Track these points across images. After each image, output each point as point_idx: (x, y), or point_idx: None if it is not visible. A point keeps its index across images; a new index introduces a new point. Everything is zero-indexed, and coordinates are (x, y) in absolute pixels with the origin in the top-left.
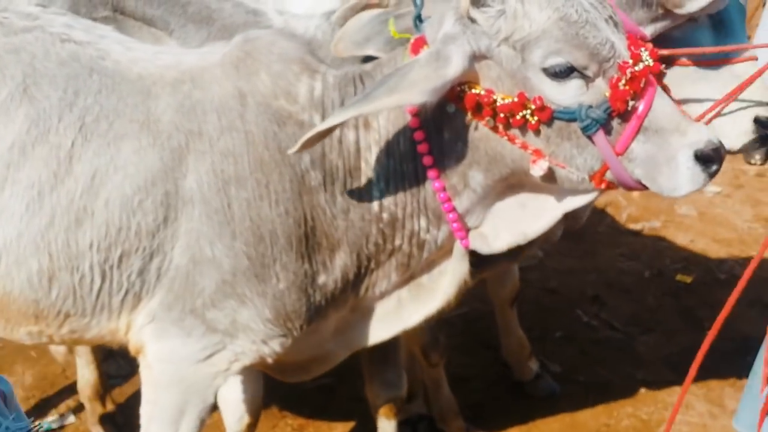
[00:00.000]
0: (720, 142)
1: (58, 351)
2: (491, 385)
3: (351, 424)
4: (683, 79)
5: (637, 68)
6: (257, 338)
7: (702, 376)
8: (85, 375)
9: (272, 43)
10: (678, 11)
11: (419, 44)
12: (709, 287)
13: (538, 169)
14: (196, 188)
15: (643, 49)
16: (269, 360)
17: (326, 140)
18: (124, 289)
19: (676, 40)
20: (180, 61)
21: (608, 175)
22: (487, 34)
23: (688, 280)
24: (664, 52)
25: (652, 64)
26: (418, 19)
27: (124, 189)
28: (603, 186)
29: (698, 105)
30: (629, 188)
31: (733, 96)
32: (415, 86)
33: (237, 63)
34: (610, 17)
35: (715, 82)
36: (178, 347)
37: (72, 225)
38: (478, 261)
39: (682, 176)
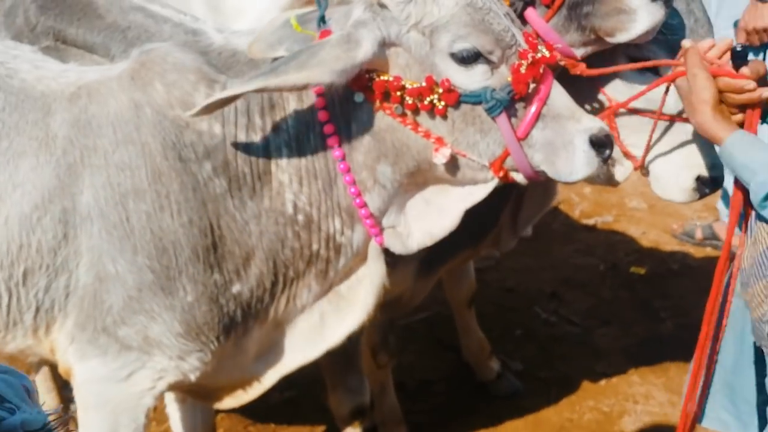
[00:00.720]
0: (608, 130)
1: None
2: (455, 387)
3: None
4: (634, 126)
5: (536, 55)
6: (173, 354)
7: (661, 365)
8: (47, 402)
9: (167, 54)
10: (608, 39)
11: (325, 35)
12: (662, 278)
13: (440, 157)
14: (94, 204)
15: (538, 43)
16: (192, 378)
17: (228, 147)
18: (33, 307)
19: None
20: (80, 78)
21: (507, 162)
22: (397, 20)
23: (642, 271)
24: (597, 71)
25: (549, 55)
26: (322, 20)
27: (23, 206)
28: (501, 174)
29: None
30: (527, 176)
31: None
32: (324, 65)
33: (132, 75)
34: (507, 13)
35: (667, 135)
36: (98, 367)
37: None
38: (433, 259)
39: (578, 160)
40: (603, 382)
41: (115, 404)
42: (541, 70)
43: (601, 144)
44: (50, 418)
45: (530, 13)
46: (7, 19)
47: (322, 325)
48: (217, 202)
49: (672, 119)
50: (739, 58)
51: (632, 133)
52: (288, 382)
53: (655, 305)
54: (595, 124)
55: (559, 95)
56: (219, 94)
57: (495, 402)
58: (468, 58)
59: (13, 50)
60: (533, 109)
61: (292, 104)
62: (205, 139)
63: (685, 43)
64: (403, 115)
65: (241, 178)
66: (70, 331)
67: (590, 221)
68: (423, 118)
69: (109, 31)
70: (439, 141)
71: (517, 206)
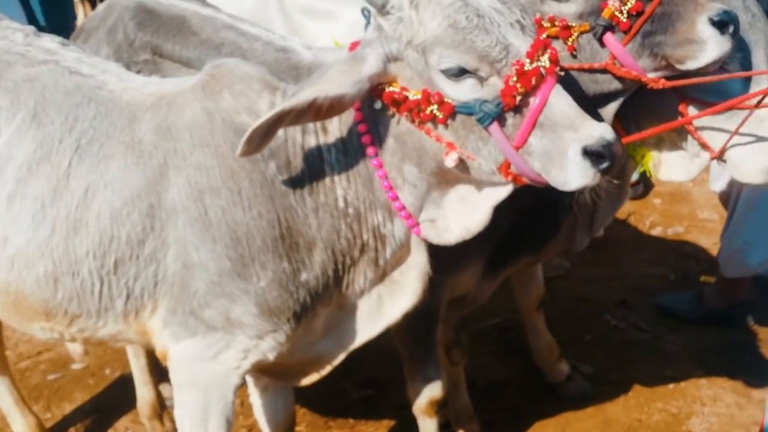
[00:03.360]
0: (613, 140)
1: (75, 351)
2: (526, 389)
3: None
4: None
5: (528, 67)
6: (252, 333)
7: (728, 370)
8: (144, 395)
9: (235, 67)
10: (678, 67)
11: (355, 46)
12: None
13: (450, 161)
14: (178, 199)
15: (543, 50)
16: (271, 357)
17: (290, 147)
18: (124, 294)
19: (708, 87)
20: (161, 89)
21: (513, 168)
22: (395, 39)
23: (712, 280)
24: (681, 82)
25: (548, 65)
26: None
27: (113, 202)
28: (510, 178)
29: (720, 138)
30: (533, 181)
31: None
32: (333, 80)
33: (204, 86)
34: (517, 21)
35: (737, 123)
36: (189, 347)
37: (70, 234)
38: (498, 261)
39: (570, 170)
40: (671, 386)
41: (206, 382)
42: (533, 81)
43: (598, 155)
44: None
45: (609, 37)
46: (109, 35)
47: (380, 306)
48: (281, 197)
49: (749, 108)
50: None
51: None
52: (367, 380)
53: (725, 313)
54: (592, 133)
55: (559, 103)
56: (252, 126)
57: (564, 403)
58: (455, 74)
59: (101, 65)
60: (527, 119)
61: None
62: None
63: None
64: (413, 122)
65: (301, 175)
66: (163, 316)
67: (661, 232)
68: (431, 125)
69: (203, 47)
70: (450, 146)
71: (592, 207)
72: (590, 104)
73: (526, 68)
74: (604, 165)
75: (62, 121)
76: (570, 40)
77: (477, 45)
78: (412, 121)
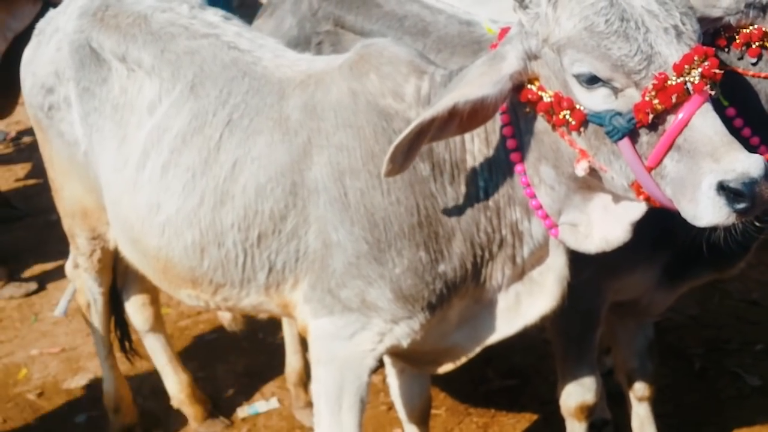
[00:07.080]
0: (760, 178)
1: (225, 317)
2: (683, 394)
3: (535, 426)
4: None
5: (670, 82)
6: (387, 318)
7: None
8: (292, 363)
9: (384, 48)
10: None
11: (504, 33)
12: None
13: (579, 169)
14: (319, 179)
15: (700, 61)
16: (404, 343)
17: None
18: (266, 267)
19: None
20: (311, 66)
21: (645, 188)
22: (533, 35)
23: None
24: None
25: (697, 80)
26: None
27: (259, 177)
28: (642, 198)
29: None
30: (663, 205)
31: None
32: (472, 82)
33: (352, 65)
34: (674, 26)
35: None
36: (327, 325)
37: (217, 205)
38: (676, 272)
39: (701, 205)
40: None
41: (342, 361)
42: (674, 99)
43: (736, 193)
44: None
45: None
46: (294, 5)
47: (518, 304)
48: (422, 185)
49: None
50: None
51: None
52: (511, 370)
53: None
54: (735, 167)
55: (703, 126)
56: (397, 140)
57: (725, 412)
58: (587, 81)
59: (259, 40)
60: (664, 139)
61: None
62: None
63: None
64: (549, 122)
65: (442, 164)
66: (305, 291)
67: None
68: (565, 129)
69: (386, 20)
70: (583, 153)
71: None
72: None
73: (668, 83)
74: (741, 206)
75: (217, 95)
76: None
77: (612, 53)
78: (548, 122)
